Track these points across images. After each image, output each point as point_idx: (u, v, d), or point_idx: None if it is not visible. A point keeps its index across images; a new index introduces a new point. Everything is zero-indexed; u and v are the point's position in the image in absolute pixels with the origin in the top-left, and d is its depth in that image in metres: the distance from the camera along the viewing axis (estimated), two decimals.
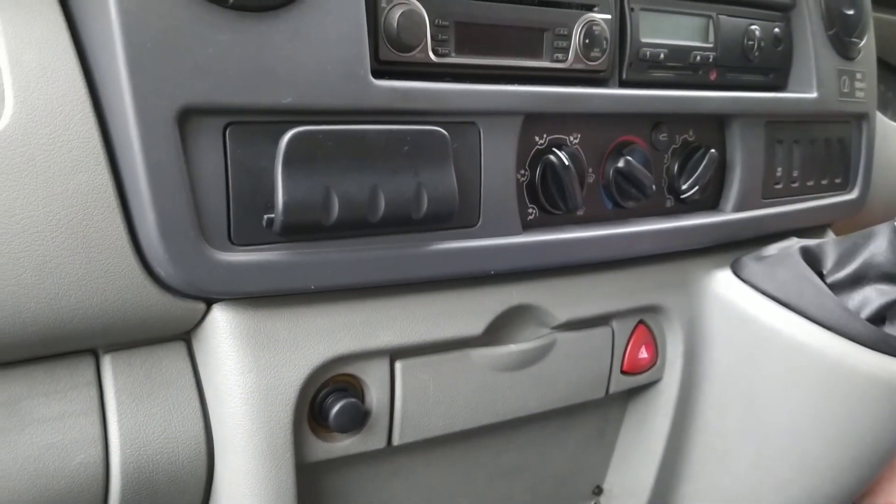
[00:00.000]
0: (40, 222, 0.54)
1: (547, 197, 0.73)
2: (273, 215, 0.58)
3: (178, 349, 0.64)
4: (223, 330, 0.62)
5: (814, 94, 0.93)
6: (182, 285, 0.59)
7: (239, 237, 0.59)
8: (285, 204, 0.57)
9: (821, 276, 0.82)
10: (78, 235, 0.55)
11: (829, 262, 0.83)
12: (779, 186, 0.93)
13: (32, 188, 0.54)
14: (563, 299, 0.78)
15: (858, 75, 0.99)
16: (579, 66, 0.74)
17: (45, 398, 0.58)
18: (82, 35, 0.58)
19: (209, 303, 0.62)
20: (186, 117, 0.55)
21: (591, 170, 0.78)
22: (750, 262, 0.87)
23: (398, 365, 0.69)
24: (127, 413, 0.61)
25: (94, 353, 0.61)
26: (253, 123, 0.58)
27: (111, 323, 0.58)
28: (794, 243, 0.89)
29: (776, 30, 0.91)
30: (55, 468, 0.58)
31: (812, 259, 0.84)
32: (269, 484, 0.63)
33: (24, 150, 0.54)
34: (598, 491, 0.97)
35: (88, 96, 0.56)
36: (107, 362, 0.61)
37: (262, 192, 0.59)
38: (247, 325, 0.62)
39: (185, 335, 0.65)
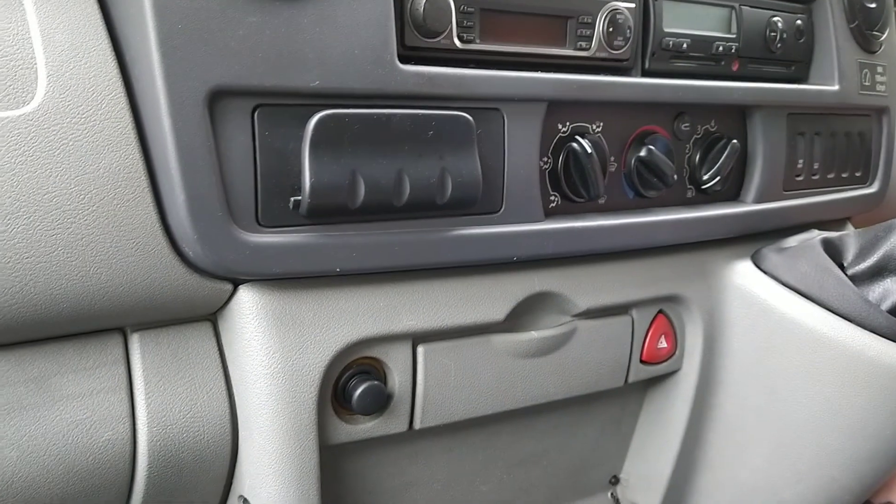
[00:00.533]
0: (71, 200, 0.55)
1: (569, 184, 0.74)
2: (300, 197, 0.59)
3: (205, 329, 0.65)
4: (249, 311, 0.62)
5: (835, 87, 0.93)
6: (209, 265, 0.59)
7: (266, 219, 0.60)
8: (312, 186, 0.58)
9: (841, 267, 0.82)
10: (108, 214, 0.56)
11: (849, 254, 0.83)
12: (800, 178, 0.93)
13: (64, 166, 0.54)
14: (583, 287, 0.78)
15: (879, 69, 0.99)
16: (602, 54, 0.74)
17: (73, 375, 0.59)
18: (114, 16, 0.58)
19: (235, 283, 0.63)
20: (216, 99, 0.56)
21: (613, 158, 0.78)
22: (770, 254, 0.87)
23: (420, 349, 0.70)
24: (154, 391, 0.61)
25: (123, 332, 0.62)
26: (281, 106, 0.59)
27: (139, 302, 0.59)
28: (815, 235, 0.89)
29: (798, 22, 0.90)
30: (83, 444, 0.59)
31: (833, 251, 0.84)
32: (292, 464, 0.64)
33: (57, 128, 0.54)
34: (615, 480, 0.98)
35: (120, 77, 0.57)
36: (135, 341, 0.61)
37: (289, 174, 0.59)
38: (272, 306, 0.63)
39: (211, 315, 0.65)
